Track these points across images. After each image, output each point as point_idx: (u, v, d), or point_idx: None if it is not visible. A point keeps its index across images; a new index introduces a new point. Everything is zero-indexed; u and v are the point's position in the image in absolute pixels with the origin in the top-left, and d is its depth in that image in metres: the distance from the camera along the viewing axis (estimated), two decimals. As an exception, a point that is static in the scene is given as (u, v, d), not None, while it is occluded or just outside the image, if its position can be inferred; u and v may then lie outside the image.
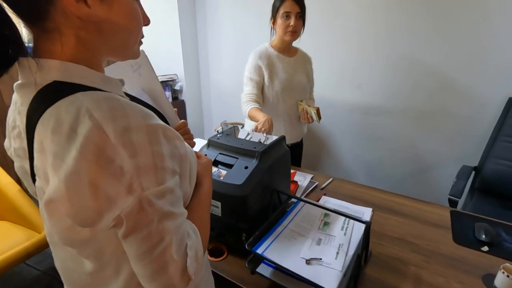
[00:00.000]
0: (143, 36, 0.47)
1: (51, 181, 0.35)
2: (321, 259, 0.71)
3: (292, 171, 1.31)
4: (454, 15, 1.60)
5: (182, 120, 0.68)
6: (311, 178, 1.33)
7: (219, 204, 0.81)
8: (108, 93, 0.39)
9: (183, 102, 2.79)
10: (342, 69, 2.03)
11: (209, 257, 0.86)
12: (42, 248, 1.48)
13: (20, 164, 0.44)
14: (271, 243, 0.76)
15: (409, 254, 0.89)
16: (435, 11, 1.63)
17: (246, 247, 0.73)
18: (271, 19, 1.41)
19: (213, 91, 2.80)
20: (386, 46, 1.83)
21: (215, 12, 2.44)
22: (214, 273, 0.82)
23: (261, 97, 1.44)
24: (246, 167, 0.82)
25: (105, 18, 0.39)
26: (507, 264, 0.76)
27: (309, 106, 1.45)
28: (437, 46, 1.69)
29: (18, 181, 1.67)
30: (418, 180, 1.99)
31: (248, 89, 1.41)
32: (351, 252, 0.73)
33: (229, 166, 0.85)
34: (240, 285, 0.78)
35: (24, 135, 0.39)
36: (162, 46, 2.68)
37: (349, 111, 2.09)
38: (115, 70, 0.59)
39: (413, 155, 1.96)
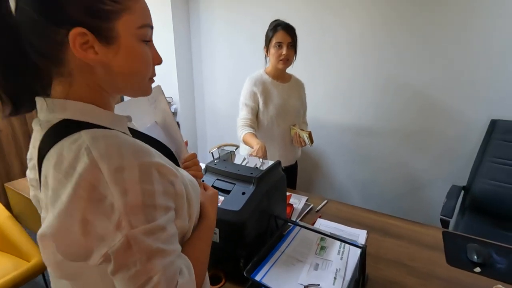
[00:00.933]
0: (154, 75, 0.49)
1: (48, 216, 0.37)
2: (319, 285, 0.72)
3: (287, 194, 1.33)
4: (439, 39, 1.70)
5: (192, 152, 0.70)
6: (306, 201, 1.35)
7: (217, 230, 0.82)
8: (110, 130, 0.42)
9: (177, 124, 2.81)
10: (334, 92, 2.10)
11: (206, 285, 0.86)
12: (30, 277, 1.42)
13: (34, 194, 0.47)
14: (269, 269, 0.77)
15: (405, 277, 0.90)
16: (422, 35, 1.74)
17: (245, 274, 0.73)
18: (264, 47, 1.49)
19: (208, 114, 2.85)
20: (375, 69, 1.92)
21: (210, 36, 2.54)
22: (211, 302, 0.81)
23: (256, 122, 1.49)
24: (243, 193, 0.84)
25: (112, 62, 0.42)
26: (499, 286, 0.78)
27: (301, 130, 1.50)
28: (424, 68, 1.79)
29: (8, 206, 1.63)
30: (410, 199, 2.03)
31: (243, 114, 1.46)
32: (348, 277, 0.74)
33: (226, 192, 0.86)
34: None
35: (37, 168, 0.42)
36: (156, 68, 2.73)
37: (341, 132, 2.15)
38: (133, 103, 0.62)
39: (404, 174, 2.01)
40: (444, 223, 1.42)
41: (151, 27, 0.46)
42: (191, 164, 0.67)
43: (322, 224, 1.16)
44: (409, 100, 1.88)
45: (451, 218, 1.41)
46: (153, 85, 0.51)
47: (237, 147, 2.17)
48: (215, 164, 0.94)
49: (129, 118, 0.49)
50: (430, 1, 1.68)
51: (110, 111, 0.47)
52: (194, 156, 0.69)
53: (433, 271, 0.92)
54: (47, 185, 0.38)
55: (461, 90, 1.72)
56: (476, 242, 1.05)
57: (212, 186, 0.89)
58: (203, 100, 2.83)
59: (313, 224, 1.15)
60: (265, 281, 0.72)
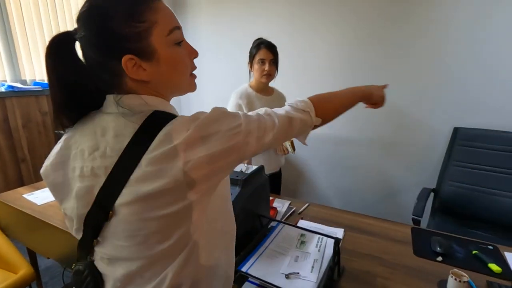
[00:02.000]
0: (195, 68, 0.58)
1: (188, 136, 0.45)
2: (298, 273, 0.80)
3: (271, 198, 1.42)
4: (408, 56, 1.89)
5: None
6: (289, 204, 1.45)
7: (206, 228, 0.90)
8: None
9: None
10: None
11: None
12: (18, 289, 1.42)
13: (89, 184, 0.49)
14: (254, 261, 0.85)
15: (376, 267, 1.00)
16: (392, 53, 1.92)
17: (232, 266, 0.81)
18: (248, 63, 1.61)
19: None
20: (353, 85, 2.08)
21: (197, 40, 2.66)
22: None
23: None
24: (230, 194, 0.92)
25: (158, 72, 0.51)
26: (455, 270, 0.90)
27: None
28: (395, 84, 1.94)
29: (-5, 219, 1.63)
30: (387, 203, 2.16)
31: None
32: (325, 265, 0.84)
33: (214, 193, 0.95)
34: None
35: (115, 154, 0.47)
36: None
37: (322, 142, 2.28)
38: None
39: (381, 181, 2.15)
40: (416, 222, 1.55)
41: (178, 28, 0.52)
42: None
43: (303, 224, 1.25)
44: (383, 114, 2.04)
45: (421, 217, 1.54)
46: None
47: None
48: (204, 169, 1.03)
49: None
50: (398, 20, 1.87)
51: None
52: None
53: (402, 261, 1.03)
54: (170, 139, 0.45)
55: (427, 102, 1.90)
56: (440, 235, 1.17)
57: (202, 189, 0.98)
58: (189, 111, 2.91)
59: (295, 224, 1.24)
60: (251, 272, 0.80)
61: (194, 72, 0.59)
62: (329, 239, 0.89)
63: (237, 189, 0.93)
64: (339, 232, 1.20)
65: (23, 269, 1.48)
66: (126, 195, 0.46)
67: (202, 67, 2.65)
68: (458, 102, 1.82)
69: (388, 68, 1.96)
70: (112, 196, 0.47)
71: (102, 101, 0.53)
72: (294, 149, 1.57)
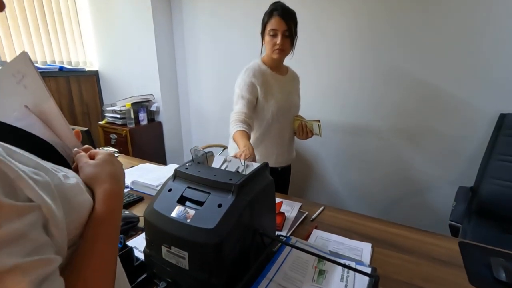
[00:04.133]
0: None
1: None
2: (319, 327, 0.54)
3: (278, 200, 1.15)
4: (443, 29, 1.56)
5: (86, 146, 0.50)
6: (300, 208, 1.18)
7: (185, 254, 0.63)
8: None
9: (160, 123, 2.62)
10: (327, 90, 1.94)
11: (173, 324, 0.67)
12: None
13: None
14: (253, 305, 0.58)
15: (421, 303, 0.73)
16: (424, 25, 1.59)
17: (220, 315, 0.55)
18: (261, 34, 1.32)
19: (193, 113, 2.65)
20: (372, 63, 1.77)
21: (193, 31, 2.35)
22: None
23: (252, 117, 1.29)
24: (219, 205, 0.65)
25: None
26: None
27: (309, 120, 1.35)
28: (424, 62, 1.64)
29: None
30: (412, 204, 1.88)
31: (238, 108, 1.26)
32: (356, 314, 0.57)
33: (199, 203, 0.68)
34: None
35: None
36: (136, 63, 2.53)
37: (336, 133, 1.99)
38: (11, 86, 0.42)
39: (404, 177, 1.86)
40: (454, 229, 1.27)
41: None
42: (76, 155, 0.47)
43: (319, 236, 0.99)
44: (409, 97, 1.73)
45: (461, 224, 1.26)
46: (24, 56, 0.32)
47: (225, 148, 1.99)
48: (186, 169, 0.76)
49: None
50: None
51: None
52: (88, 149, 0.50)
53: (455, 294, 0.76)
54: None
55: (466, 84, 1.58)
56: (502, 255, 0.89)
57: (181, 196, 0.70)
58: (187, 98, 2.63)
59: (308, 235, 0.98)
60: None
61: None
62: (357, 273, 0.62)
63: (230, 198, 0.66)
64: (365, 248, 0.93)
65: None
66: None
67: (199, 44, 2.35)
68: (505, 85, 1.49)
69: (416, 42, 1.63)
70: None
71: None
72: (321, 132, 1.32)
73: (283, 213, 1.10)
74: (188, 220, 0.64)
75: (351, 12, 1.74)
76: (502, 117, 1.49)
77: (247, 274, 0.65)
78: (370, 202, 2.00)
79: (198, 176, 0.72)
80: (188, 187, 0.72)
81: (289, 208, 1.16)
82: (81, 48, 2.71)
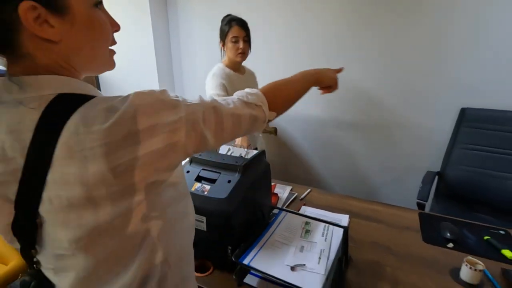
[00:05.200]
0: (115, 43, 0.47)
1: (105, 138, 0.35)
2: (304, 264, 0.74)
3: (272, 183, 1.36)
4: (413, 33, 1.78)
5: None
6: (291, 190, 1.38)
7: (204, 219, 0.83)
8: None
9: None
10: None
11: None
12: (9, 280, 1.37)
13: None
14: (256, 253, 0.79)
15: (385, 257, 0.95)
16: (396, 30, 1.81)
17: (233, 259, 0.75)
18: (220, 42, 1.54)
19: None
20: (355, 64, 1.98)
21: (189, 31, 2.51)
22: (200, 289, 0.82)
23: None
24: (229, 181, 0.85)
25: (70, 33, 0.39)
26: (470, 257, 0.85)
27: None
28: (397, 63, 1.86)
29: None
30: (391, 188, 2.11)
31: None
32: (332, 256, 0.78)
33: (212, 181, 0.87)
34: (229, 298, 0.79)
35: (18, 154, 0.37)
36: (135, 64, 2.68)
37: (323, 126, 2.20)
38: None
39: (385, 165, 2.09)
40: (421, 207, 1.50)
41: None
42: None
43: (307, 211, 1.20)
44: (387, 96, 1.95)
45: (426, 201, 1.49)
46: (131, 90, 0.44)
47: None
48: (200, 155, 0.95)
49: None
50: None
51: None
52: None
53: (411, 249, 0.98)
54: (72, 156, 0.35)
55: (432, 83, 1.80)
56: (449, 221, 1.12)
57: (198, 176, 0.90)
58: (183, 95, 2.80)
59: (297, 211, 1.18)
60: (253, 264, 0.74)
61: (113, 49, 0.48)
62: (335, 227, 0.83)
63: (237, 176, 0.86)
64: (344, 219, 1.14)
65: (14, 260, 1.42)
66: (48, 200, 0.37)
67: (195, 45, 2.52)
68: (466, 82, 1.73)
69: (391, 48, 1.85)
70: (32, 202, 0.38)
71: None
72: (276, 133, 1.62)
73: (276, 194, 1.30)
74: (205, 193, 0.84)
75: (331, 9, 1.93)
76: (463, 111, 1.73)
77: (251, 234, 0.85)
78: (353, 187, 2.23)
79: (210, 160, 0.92)
80: (203, 169, 0.91)
81: (281, 190, 1.37)
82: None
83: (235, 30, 1.47)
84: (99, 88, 2.97)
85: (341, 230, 0.83)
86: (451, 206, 1.70)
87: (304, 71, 0.70)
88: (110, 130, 0.35)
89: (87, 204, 0.37)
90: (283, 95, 0.64)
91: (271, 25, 2.13)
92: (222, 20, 1.54)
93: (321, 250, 0.80)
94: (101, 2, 0.43)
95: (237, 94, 0.57)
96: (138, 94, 0.39)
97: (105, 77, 2.92)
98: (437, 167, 1.82)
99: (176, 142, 0.41)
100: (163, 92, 0.41)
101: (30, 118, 0.37)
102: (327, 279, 0.70)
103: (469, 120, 1.71)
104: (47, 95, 0.38)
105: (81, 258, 0.41)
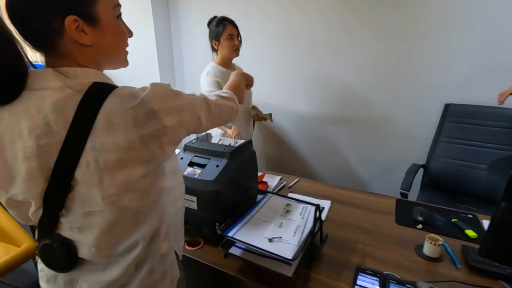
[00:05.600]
0: (128, 45, 0.61)
1: (131, 116, 0.48)
2: (281, 237, 0.85)
3: (261, 173, 1.47)
4: (398, 32, 1.87)
5: None
6: (280, 179, 1.49)
7: (194, 198, 0.94)
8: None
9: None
10: (310, 83, 2.25)
11: (186, 246, 0.98)
12: (21, 261, 1.50)
13: (39, 163, 0.48)
14: (240, 228, 0.89)
15: (359, 235, 1.05)
16: (381, 31, 1.90)
17: (219, 231, 0.86)
18: (213, 41, 1.64)
19: (190, 107, 2.94)
20: (344, 63, 2.07)
21: (189, 28, 2.63)
22: (192, 260, 0.94)
23: None
24: (217, 166, 0.96)
25: (100, 39, 0.53)
26: (431, 235, 0.95)
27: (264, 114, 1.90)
28: (385, 62, 1.95)
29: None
30: (380, 180, 2.21)
31: None
32: (307, 231, 0.88)
33: (202, 166, 0.98)
34: (216, 267, 0.90)
35: (62, 128, 0.47)
36: (139, 65, 2.80)
37: (316, 121, 2.30)
38: None
39: (374, 158, 2.18)
40: (404, 196, 1.59)
41: (120, 5, 0.56)
42: None
43: (292, 197, 1.30)
44: (375, 91, 2.05)
45: (408, 191, 1.58)
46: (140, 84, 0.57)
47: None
48: (193, 143, 1.06)
49: None
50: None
51: None
52: None
53: (383, 229, 1.08)
54: (111, 126, 0.46)
55: (419, 79, 1.89)
56: (423, 206, 1.22)
57: (190, 161, 1.01)
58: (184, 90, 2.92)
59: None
60: (236, 237, 0.85)
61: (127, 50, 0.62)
62: (313, 208, 0.93)
63: (224, 161, 0.97)
64: (326, 204, 1.25)
65: (26, 242, 1.55)
66: (86, 164, 0.47)
67: (194, 41, 2.63)
68: (449, 79, 1.82)
69: (378, 47, 1.94)
70: (70, 166, 0.48)
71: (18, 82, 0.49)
72: (272, 119, 1.83)
73: (266, 182, 1.41)
74: (196, 176, 0.95)
75: (318, 10, 2.03)
76: (447, 106, 1.82)
77: (237, 212, 0.96)
78: (343, 178, 2.33)
79: (201, 148, 1.03)
80: (195, 156, 1.02)
81: (271, 179, 1.47)
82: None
83: (230, 28, 1.59)
84: (103, 86, 3.10)
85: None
86: (434, 197, 1.79)
87: (238, 73, 0.91)
88: (136, 109, 0.48)
89: (120, 165, 0.49)
90: (241, 92, 0.85)
91: (264, 26, 2.24)
92: (211, 22, 1.65)
93: (297, 226, 0.91)
94: (120, 15, 0.56)
95: (215, 93, 0.74)
96: (154, 85, 0.53)
97: (110, 75, 3.04)
98: (422, 160, 1.91)
99: (182, 120, 0.55)
100: (169, 85, 0.56)
101: (74, 99, 0.48)
102: (299, 248, 0.80)
103: (452, 115, 1.80)
104: (86, 82, 0.50)
105: (109, 213, 0.52)
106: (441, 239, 0.92)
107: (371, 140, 2.16)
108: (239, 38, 1.65)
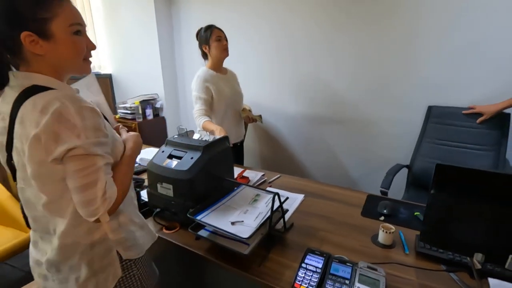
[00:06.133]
0: (89, 56, 0.73)
1: (30, 133, 0.60)
2: (243, 221, 0.95)
3: (243, 168, 1.57)
4: (386, 40, 1.94)
5: (118, 124, 0.94)
6: (263, 175, 1.59)
7: (170, 186, 1.06)
8: (66, 91, 0.66)
9: (163, 119, 3.06)
10: (300, 84, 2.35)
11: (164, 230, 1.10)
12: (28, 245, 1.65)
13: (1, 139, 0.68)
14: (209, 213, 1.00)
15: (323, 224, 1.14)
16: (366, 34, 1.98)
17: (188, 215, 0.97)
18: (203, 46, 1.77)
19: (190, 109, 3.08)
20: (336, 65, 2.16)
21: (190, 38, 2.78)
22: (169, 242, 1.05)
23: (209, 111, 1.76)
24: (191, 158, 1.07)
25: (54, 51, 0.65)
26: (385, 224, 1.02)
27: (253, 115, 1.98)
28: (371, 66, 2.03)
29: (9, 188, 1.87)
30: (367, 179, 2.27)
31: (198, 106, 1.72)
32: (267, 216, 0.98)
33: (179, 158, 1.10)
34: (189, 248, 1.01)
35: (7, 116, 0.64)
36: (143, 68, 2.98)
37: (307, 122, 2.39)
38: (77, 86, 0.86)
39: (362, 158, 2.25)
40: (384, 194, 1.66)
41: (80, 24, 0.68)
42: (116, 129, 0.90)
43: (269, 190, 1.39)
44: (363, 95, 2.12)
45: (388, 189, 1.65)
46: (92, 76, 0.72)
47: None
48: (174, 138, 1.18)
49: (77, 90, 0.74)
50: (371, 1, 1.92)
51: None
52: (119, 126, 0.94)
53: (347, 220, 1.16)
54: (23, 122, 0.61)
55: (404, 82, 1.96)
56: (390, 200, 1.29)
57: (170, 154, 1.13)
58: (185, 97, 3.07)
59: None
60: (204, 220, 0.96)
61: (90, 60, 0.75)
62: (282, 198, 1.02)
63: (198, 154, 1.08)
64: (299, 197, 1.33)
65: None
66: (15, 148, 0.66)
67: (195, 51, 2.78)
68: (432, 83, 1.88)
69: (367, 51, 2.02)
70: (10, 148, 0.66)
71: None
72: (261, 120, 1.93)
73: (247, 177, 1.51)
74: (173, 166, 1.06)
75: (310, 14, 2.13)
76: (430, 108, 1.87)
77: (208, 199, 1.07)
78: (333, 177, 2.40)
79: (180, 143, 1.14)
80: (174, 149, 1.14)
81: (253, 175, 1.57)
82: (96, 54, 3.17)
83: (217, 31, 1.74)
84: (111, 86, 3.30)
85: (282, 200, 1.03)
86: (418, 196, 1.84)
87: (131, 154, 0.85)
88: (40, 121, 0.61)
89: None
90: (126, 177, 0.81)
91: (256, 31, 2.36)
92: (199, 32, 1.80)
93: (260, 213, 1.00)
94: (79, 31, 0.69)
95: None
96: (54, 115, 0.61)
97: (118, 78, 3.24)
98: (407, 160, 1.96)
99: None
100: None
101: (13, 97, 0.64)
102: (255, 230, 0.90)
103: (435, 117, 1.85)
104: (27, 84, 0.64)
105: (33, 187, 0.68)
106: (393, 227, 1.00)
107: (359, 140, 2.23)
108: (226, 40, 1.78)
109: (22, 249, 1.64)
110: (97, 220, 0.67)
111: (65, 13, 0.65)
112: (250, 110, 2.11)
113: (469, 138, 1.72)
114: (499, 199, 0.73)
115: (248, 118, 1.98)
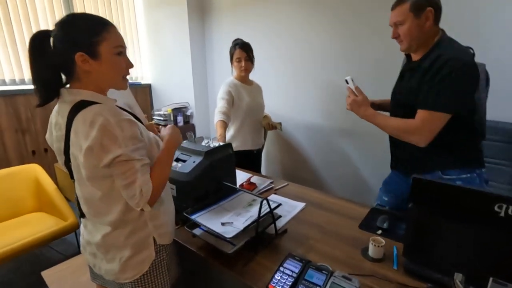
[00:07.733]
0: (127, 74, 0.87)
1: (83, 145, 0.74)
2: (232, 223, 1.02)
3: (250, 175, 1.64)
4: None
5: (150, 122, 1.08)
6: (271, 183, 1.64)
7: (174, 187, 1.17)
8: (109, 105, 0.81)
9: (193, 126, 3.27)
10: (320, 98, 2.36)
11: (167, 226, 1.21)
12: (67, 232, 1.91)
13: (58, 146, 0.85)
14: (203, 214, 1.09)
15: (315, 233, 1.15)
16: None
17: (184, 213, 1.07)
18: (230, 60, 1.96)
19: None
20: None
21: (221, 50, 2.96)
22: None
23: (230, 110, 1.90)
24: (194, 161, 1.18)
25: (100, 69, 0.80)
26: (376, 237, 1.01)
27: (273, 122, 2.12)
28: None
29: (56, 181, 2.17)
30: (373, 191, 2.19)
31: (221, 104, 1.89)
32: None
33: (184, 161, 1.21)
34: (186, 245, 1.11)
35: (63, 127, 0.79)
36: (176, 79, 3.24)
37: (328, 132, 2.38)
38: (116, 94, 1.02)
39: (377, 170, 2.17)
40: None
41: (122, 46, 0.83)
42: (151, 129, 1.03)
43: (273, 198, 1.44)
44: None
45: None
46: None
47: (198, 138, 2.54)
48: (182, 143, 1.30)
49: (115, 100, 0.88)
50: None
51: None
52: (152, 124, 1.08)
53: (342, 231, 1.16)
54: (77, 133, 0.76)
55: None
56: (392, 214, 1.25)
57: (177, 158, 1.25)
58: (213, 106, 3.24)
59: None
60: (198, 219, 1.05)
61: (127, 78, 0.89)
62: (274, 204, 1.07)
63: (199, 158, 1.18)
64: (299, 205, 1.36)
65: (71, 218, 1.96)
66: (72, 153, 0.81)
67: (225, 62, 2.94)
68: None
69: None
70: (67, 153, 0.82)
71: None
72: (281, 127, 2.08)
73: (254, 183, 1.58)
74: (177, 169, 1.18)
75: (328, 24, 2.15)
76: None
77: (206, 201, 1.16)
78: (348, 191, 2.34)
79: (186, 147, 1.26)
80: (181, 153, 1.26)
81: (262, 182, 1.63)
82: (140, 66, 3.53)
83: (238, 52, 1.88)
84: (150, 94, 3.62)
85: (273, 206, 1.08)
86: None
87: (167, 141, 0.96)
88: (90, 135, 0.75)
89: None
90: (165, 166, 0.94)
91: (278, 44, 2.44)
92: (232, 43, 1.95)
93: (250, 216, 1.07)
94: (122, 52, 0.84)
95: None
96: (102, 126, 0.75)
97: (156, 88, 3.55)
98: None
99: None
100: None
101: (67, 110, 0.79)
102: (240, 232, 0.96)
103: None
104: (77, 99, 0.79)
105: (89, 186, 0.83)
106: (383, 241, 0.98)
107: (374, 151, 2.17)
108: (250, 60, 1.92)
109: (61, 235, 1.90)
110: (142, 210, 0.81)
111: (111, 37, 0.80)
112: (270, 118, 2.21)
113: (488, 153, 1.58)
114: (477, 217, 0.70)
115: (268, 125, 2.10)
